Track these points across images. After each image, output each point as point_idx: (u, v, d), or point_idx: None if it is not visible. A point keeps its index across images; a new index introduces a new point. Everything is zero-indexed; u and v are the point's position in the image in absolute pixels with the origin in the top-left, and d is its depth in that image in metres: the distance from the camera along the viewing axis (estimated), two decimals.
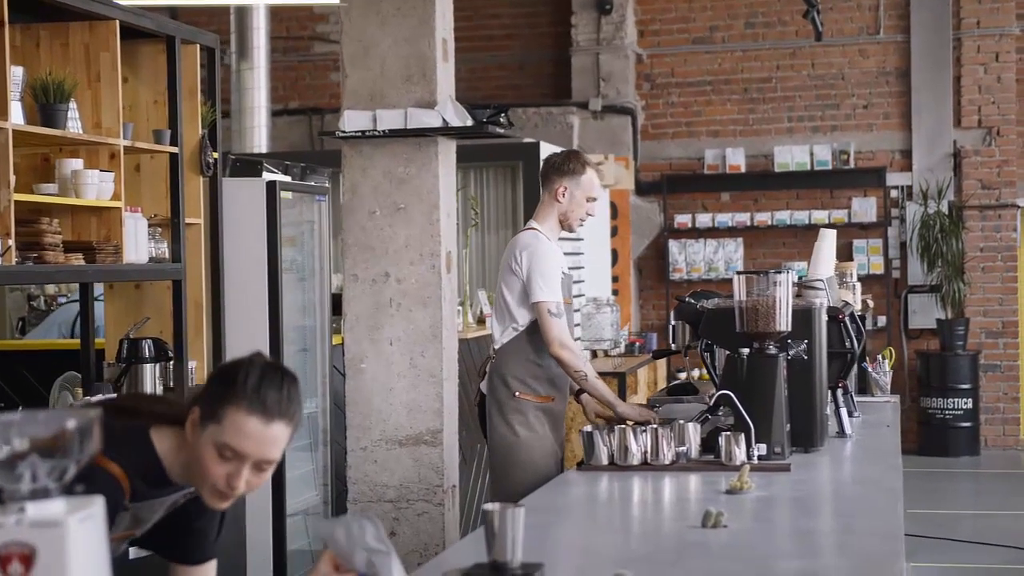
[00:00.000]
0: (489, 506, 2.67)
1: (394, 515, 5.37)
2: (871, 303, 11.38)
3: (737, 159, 12.48)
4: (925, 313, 12.19)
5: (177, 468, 2.64)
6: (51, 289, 8.55)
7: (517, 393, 5.05)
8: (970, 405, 11.86)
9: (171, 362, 5.56)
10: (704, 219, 12.49)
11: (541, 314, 4.97)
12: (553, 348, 4.95)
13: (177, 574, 2.87)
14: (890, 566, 2.80)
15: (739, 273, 4.38)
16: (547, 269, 5.00)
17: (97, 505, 1.81)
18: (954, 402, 11.83)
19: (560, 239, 5.10)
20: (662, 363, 10.43)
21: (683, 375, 10.41)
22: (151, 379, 5.38)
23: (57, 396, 5.63)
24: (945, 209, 12.01)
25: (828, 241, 5.54)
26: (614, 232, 11.99)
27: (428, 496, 5.39)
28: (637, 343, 10.56)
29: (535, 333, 5.05)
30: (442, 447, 5.39)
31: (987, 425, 12.13)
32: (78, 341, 5.82)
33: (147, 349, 5.39)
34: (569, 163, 5.17)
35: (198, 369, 5.82)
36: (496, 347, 5.13)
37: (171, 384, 5.58)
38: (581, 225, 5.26)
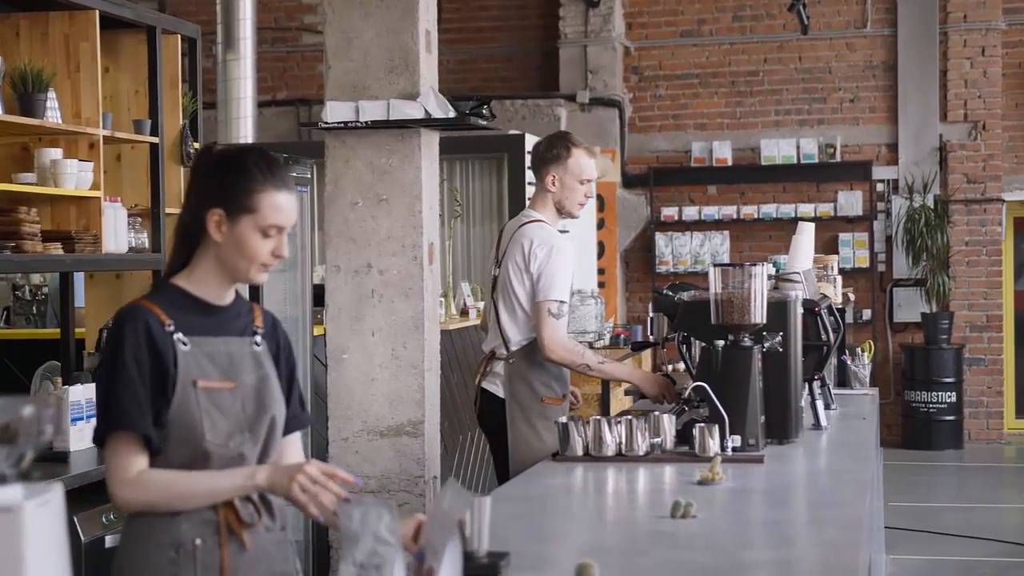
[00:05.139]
0: None
1: None
2: (852, 296, 11.42)
3: (724, 152, 12.51)
4: (910, 306, 12.22)
5: (210, 284, 2.82)
6: (36, 279, 8.54)
7: (544, 398, 4.93)
8: (954, 399, 11.89)
9: None
10: (691, 212, 12.51)
11: (540, 313, 4.83)
12: (544, 352, 4.82)
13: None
14: (850, 555, 2.82)
15: (715, 265, 4.39)
16: (560, 268, 4.87)
17: (55, 491, 1.82)
18: (938, 395, 11.87)
19: None
20: (648, 355, 10.44)
21: (670, 367, 10.43)
22: None
23: (39, 385, 5.63)
24: (931, 203, 12.04)
25: (806, 234, 5.56)
26: (601, 224, 12.01)
27: (409, 487, 5.39)
28: (623, 335, 10.57)
29: None
30: (423, 438, 5.38)
31: (971, 419, 12.18)
32: (59, 331, 5.82)
33: None
34: (552, 149, 4.98)
35: None
36: (512, 348, 4.94)
37: None
38: (581, 208, 5.06)
